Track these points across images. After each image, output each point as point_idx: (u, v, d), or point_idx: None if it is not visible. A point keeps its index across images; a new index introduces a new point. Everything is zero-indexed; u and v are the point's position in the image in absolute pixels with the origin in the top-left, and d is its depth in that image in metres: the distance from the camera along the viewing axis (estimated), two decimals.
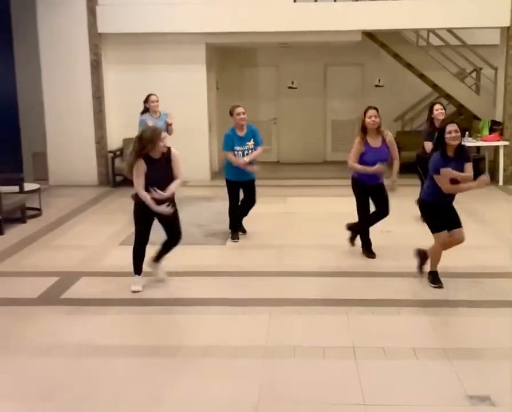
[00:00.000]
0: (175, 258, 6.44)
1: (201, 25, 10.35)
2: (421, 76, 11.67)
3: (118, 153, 10.84)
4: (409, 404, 3.69)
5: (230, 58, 12.87)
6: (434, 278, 5.58)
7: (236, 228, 7.26)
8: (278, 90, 13.26)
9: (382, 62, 12.37)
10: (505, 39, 10.23)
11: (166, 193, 5.32)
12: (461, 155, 5.35)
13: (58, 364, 4.28)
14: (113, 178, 10.78)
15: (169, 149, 5.42)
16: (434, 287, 5.52)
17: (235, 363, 4.25)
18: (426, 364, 4.19)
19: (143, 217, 5.48)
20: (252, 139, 6.95)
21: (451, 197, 5.43)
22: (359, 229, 6.54)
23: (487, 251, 5.86)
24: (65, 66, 10.57)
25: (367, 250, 6.52)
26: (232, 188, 7.13)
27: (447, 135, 5.23)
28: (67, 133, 10.73)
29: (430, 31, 11.60)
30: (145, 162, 5.28)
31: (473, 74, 12.19)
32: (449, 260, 5.72)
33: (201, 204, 8.99)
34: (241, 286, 5.71)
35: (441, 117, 7.24)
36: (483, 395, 3.73)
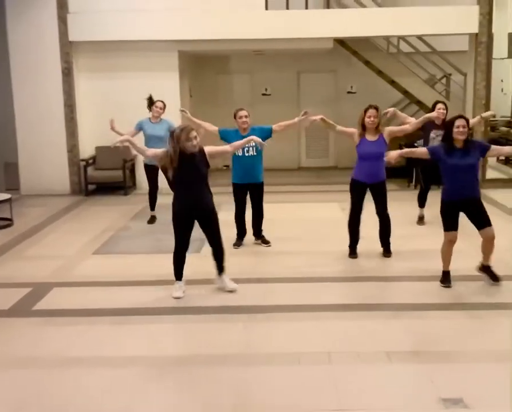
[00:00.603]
0: (151, 266, 6.42)
1: (174, 32, 10.31)
2: (392, 82, 11.79)
3: (90, 161, 10.75)
4: (383, 408, 3.72)
5: (203, 66, 12.85)
6: (443, 278, 5.72)
7: (241, 235, 7.22)
8: (252, 97, 13.25)
9: (354, 68, 12.46)
10: (474, 46, 10.41)
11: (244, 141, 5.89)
12: (472, 148, 5.48)
13: (30, 376, 4.22)
14: (86, 186, 10.66)
15: (200, 148, 5.38)
16: (442, 287, 5.65)
17: (210, 371, 4.23)
18: (399, 367, 4.23)
19: (182, 222, 5.48)
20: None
21: (463, 195, 5.46)
22: (349, 227, 6.64)
23: (461, 255, 5.93)
24: (36, 75, 10.45)
25: (351, 252, 6.64)
26: (237, 192, 7.09)
27: (455, 130, 5.41)
28: (39, 142, 10.60)
29: (400, 38, 11.74)
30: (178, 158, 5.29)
31: (443, 80, 12.37)
32: (426, 263, 5.79)
33: None
34: (217, 294, 5.68)
35: (442, 117, 7.57)
36: (456, 397, 3.77)
